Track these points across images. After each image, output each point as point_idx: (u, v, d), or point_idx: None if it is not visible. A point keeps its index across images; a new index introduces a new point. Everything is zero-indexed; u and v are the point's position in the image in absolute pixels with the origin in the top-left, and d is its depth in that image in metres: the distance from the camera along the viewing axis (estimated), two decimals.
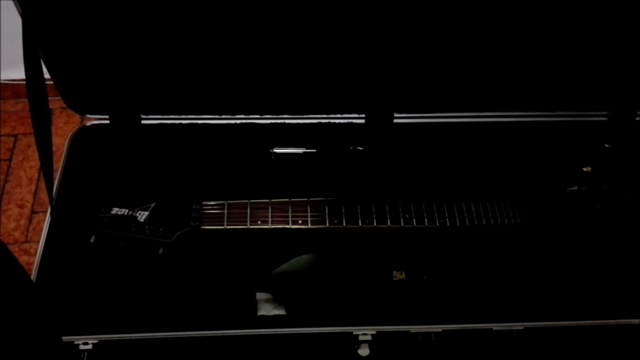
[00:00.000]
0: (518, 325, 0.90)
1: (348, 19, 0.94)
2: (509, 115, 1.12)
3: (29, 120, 0.87)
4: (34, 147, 1.51)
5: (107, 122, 1.08)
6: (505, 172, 1.04)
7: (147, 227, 0.88)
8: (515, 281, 0.94)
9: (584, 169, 1.01)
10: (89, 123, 1.09)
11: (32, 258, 0.96)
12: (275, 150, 1.07)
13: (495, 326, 0.90)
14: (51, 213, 0.96)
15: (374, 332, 0.88)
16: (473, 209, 0.95)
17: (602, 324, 0.91)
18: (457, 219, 0.94)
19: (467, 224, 0.94)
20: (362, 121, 1.11)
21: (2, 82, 1.57)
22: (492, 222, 0.94)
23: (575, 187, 1.00)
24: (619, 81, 1.08)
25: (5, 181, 1.49)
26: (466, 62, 1.02)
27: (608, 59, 1.03)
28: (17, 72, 1.56)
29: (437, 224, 0.93)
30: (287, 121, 1.11)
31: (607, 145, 1.06)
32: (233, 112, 1.09)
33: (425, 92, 1.09)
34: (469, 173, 1.05)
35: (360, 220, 0.92)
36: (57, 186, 1.00)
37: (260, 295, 0.94)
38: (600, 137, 1.08)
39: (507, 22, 0.96)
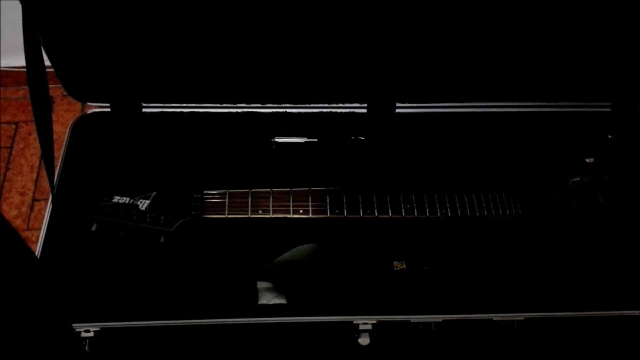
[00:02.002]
0: (518, 316, 0.90)
1: (350, 8, 0.93)
2: (511, 105, 1.12)
3: (30, 107, 0.87)
4: (35, 135, 1.51)
5: (108, 110, 1.08)
6: (507, 163, 1.04)
7: (148, 215, 0.88)
8: (516, 272, 0.94)
9: (587, 160, 1.01)
10: (90, 111, 1.09)
11: (33, 246, 0.96)
12: (276, 140, 1.07)
13: (496, 316, 0.90)
14: (52, 201, 0.96)
15: (375, 322, 0.89)
16: (474, 200, 0.95)
17: (603, 315, 0.91)
18: (458, 210, 0.94)
19: (469, 214, 0.94)
20: (364, 111, 1.11)
21: (2, 69, 1.56)
22: (493, 212, 0.94)
23: (578, 178, 0.99)
24: (621, 73, 1.07)
25: (7, 169, 1.49)
26: (469, 52, 1.01)
27: (610, 52, 1.02)
28: (17, 59, 1.55)
29: (439, 214, 0.93)
30: (288, 110, 1.10)
31: (610, 137, 1.05)
32: (234, 100, 1.09)
33: (428, 82, 1.08)
34: (471, 163, 1.05)
35: (361, 210, 0.92)
36: (58, 174, 1.00)
37: (261, 284, 0.94)
38: (603, 128, 1.07)
39: (509, 14, 0.95)
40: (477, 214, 0.94)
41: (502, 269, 0.94)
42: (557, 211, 0.97)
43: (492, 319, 0.90)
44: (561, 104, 1.12)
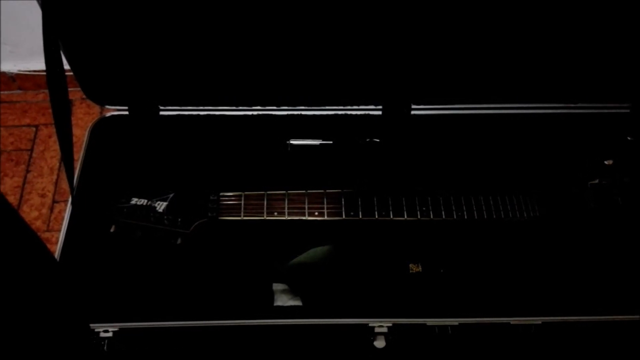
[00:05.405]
0: (536, 320, 0.89)
1: (365, 10, 0.93)
2: (528, 107, 1.11)
3: (50, 110, 0.88)
4: (54, 138, 1.54)
5: (126, 113, 1.09)
6: (524, 165, 1.03)
7: (165, 217, 0.89)
8: (533, 275, 0.93)
9: (606, 162, 0.99)
10: (108, 114, 1.10)
11: (53, 247, 0.97)
12: (291, 142, 1.07)
13: (513, 320, 0.89)
14: (72, 203, 0.98)
15: (390, 325, 0.88)
16: (491, 202, 0.94)
17: (623, 320, 0.89)
18: (474, 212, 0.93)
19: (485, 216, 0.93)
20: (379, 113, 1.11)
21: (23, 73, 1.59)
22: (510, 215, 0.94)
23: (596, 181, 0.98)
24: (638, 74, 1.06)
25: (27, 171, 1.52)
26: (485, 53, 1.00)
27: (628, 52, 1.01)
28: (37, 63, 1.58)
29: (455, 216, 0.92)
30: (303, 113, 1.11)
31: (629, 138, 1.04)
32: (250, 103, 1.10)
33: (443, 83, 1.07)
34: (488, 165, 1.04)
35: (376, 213, 0.92)
36: (77, 176, 1.02)
37: (276, 286, 0.94)
38: (623, 129, 1.06)
39: (527, 15, 0.94)
40: (494, 216, 0.93)
41: (519, 272, 0.93)
42: (574, 214, 0.95)
43: (509, 323, 0.89)
44: (579, 105, 1.11)
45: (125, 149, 1.06)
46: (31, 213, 1.46)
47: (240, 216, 0.91)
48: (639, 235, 0.94)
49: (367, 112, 1.11)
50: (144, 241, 0.89)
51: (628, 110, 1.11)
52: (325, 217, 0.91)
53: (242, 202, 0.91)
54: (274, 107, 1.10)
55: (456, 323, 0.89)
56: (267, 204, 0.91)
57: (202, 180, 0.96)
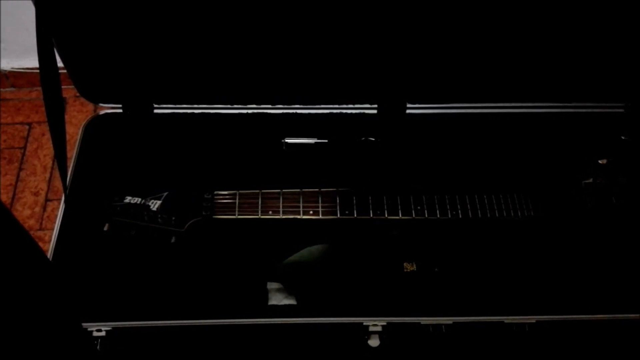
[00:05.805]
0: (530, 319, 0.89)
1: (360, 8, 0.93)
2: (524, 106, 1.11)
3: (43, 108, 0.88)
4: (48, 136, 1.53)
5: (120, 111, 1.09)
6: (519, 164, 1.03)
7: (159, 216, 0.89)
8: (527, 274, 0.93)
9: (600, 162, 1.00)
10: (102, 112, 1.10)
11: (46, 245, 0.97)
12: (286, 141, 1.07)
13: (507, 319, 0.89)
14: (65, 201, 0.97)
15: (385, 323, 0.88)
16: (486, 201, 0.94)
17: (617, 319, 0.90)
18: (469, 211, 0.93)
19: (480, 216, 0.93)
20: (374, 112, 1.11)
21: (17, 70, 1.58)
22: (505, 214, 0.94)
23: (591, 180, 0.98)
24: (634, 74, 1.06)
25: (20, 169, 1.51)
26: (480, 52, 1.01)
27: (623, 52, 1.01)
28: (31, 61, 1.57)
29: (449, 215, 0.93)
30: (298, 111, 1.11)
31: (623, 138, 1.04)
32: (245, 101, 1.09)
33: (439, 82, 1.08)
34: (482, 164, 1.04)
35: (371, 211, 0.92)
36: (70, 174, 1.01)
37: (271, 285, 0.94)
38: (617, 129, 1.06)
39: (522, 14, 0.94)
40: (488, 216, 0.93)
41: (513, 271, 0.94)
42: (570, 213, 0.96)
43: (503, 322, 0.89)
44: (574, 104, 1.11)
45: (119, 147, 1.05)
46: (24, 211, 1.45)
47: (234, 215, 0.91)
48: (633, 234, 0.95)
49: (362, 111, 1.11)
50: (137, 240, 0.89)
51: (622, 110, 1.11)
52: (320, 216, 0.91)
53: (237, 200, 0.91)
54: (269, 106, 1.10)
55: (450, 322, 0.89)
56: (261, 203, 0.91)
57: (197, 179, 0.96)
